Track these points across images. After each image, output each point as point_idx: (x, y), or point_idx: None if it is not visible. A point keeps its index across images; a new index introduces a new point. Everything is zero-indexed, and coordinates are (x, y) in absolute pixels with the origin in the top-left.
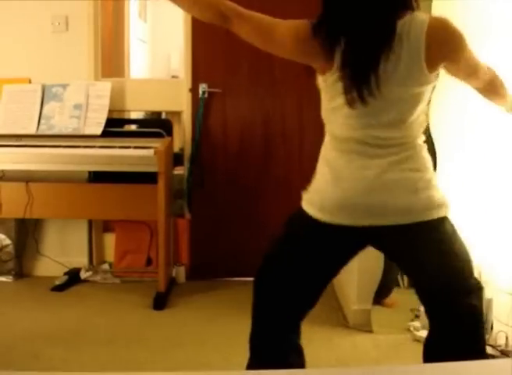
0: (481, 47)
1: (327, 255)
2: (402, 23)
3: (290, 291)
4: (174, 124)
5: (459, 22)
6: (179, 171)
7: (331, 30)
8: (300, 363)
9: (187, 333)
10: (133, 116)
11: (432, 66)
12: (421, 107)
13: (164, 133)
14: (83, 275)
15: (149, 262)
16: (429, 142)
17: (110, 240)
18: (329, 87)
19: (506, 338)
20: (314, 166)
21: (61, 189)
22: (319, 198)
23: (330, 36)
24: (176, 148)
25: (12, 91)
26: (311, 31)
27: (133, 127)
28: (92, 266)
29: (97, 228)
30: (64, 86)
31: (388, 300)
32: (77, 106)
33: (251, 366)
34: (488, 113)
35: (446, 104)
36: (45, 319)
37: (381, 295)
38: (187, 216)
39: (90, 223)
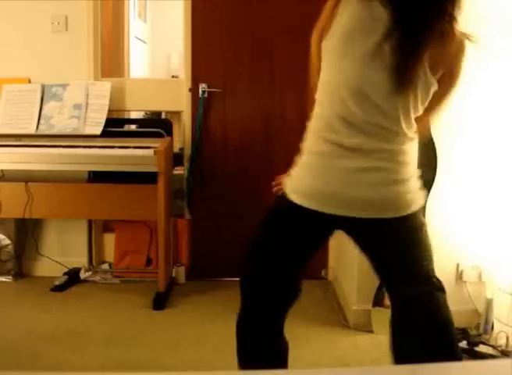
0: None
1: (302, 237)
2: None
3: (271, 275)
4: (174, 124)
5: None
6: (179, 171)
7: None
8: (283, 354)
9: (187, 333)
10: (133, 115)
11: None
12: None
13: (164, 133)
14: (83, 275)
15: (149, 262)
16: (430, 144)
17: (110, 240)
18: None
19: (507, 338)
20: None
21: (60, 189)
22: (301, 186)
23: None
24: (176, 148)
25: (12, 90)
26: None
27: (133, 127)
28: (92, 266)
29: (97, 228)
30: (64, 86)
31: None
32: (77, 106)
33: (240, 352)
34: (489, 114)
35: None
36: (45, 319)
37: (377, 295)
38: (187, 216)
39: (89, 223)
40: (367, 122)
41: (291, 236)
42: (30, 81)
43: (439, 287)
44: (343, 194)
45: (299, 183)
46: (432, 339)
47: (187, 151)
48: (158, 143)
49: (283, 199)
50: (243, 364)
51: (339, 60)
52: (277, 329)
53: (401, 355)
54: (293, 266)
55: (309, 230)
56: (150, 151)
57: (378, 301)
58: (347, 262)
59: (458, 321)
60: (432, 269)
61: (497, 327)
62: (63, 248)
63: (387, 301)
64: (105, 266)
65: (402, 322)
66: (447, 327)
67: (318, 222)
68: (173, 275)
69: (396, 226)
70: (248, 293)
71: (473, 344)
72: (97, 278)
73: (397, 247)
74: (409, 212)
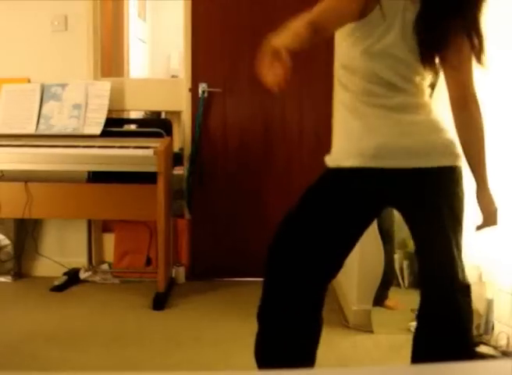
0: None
1: (350, 212)
2: None
3: (311, 253)
4: (174, 124)
5: None
6: (179, 171)
7: None
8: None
9: (187, 333)
10: (133, 115)
11: None
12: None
13: (164, 133)
14: (83, 275)
15: (149, 262)
16: None
17: (109, 240)
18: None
19: (508, 339)
20: (314, 165)
21: (60, 189)
22: (355, 147)
23: None
24: (176, 148)
25: (11, 90)
26: None
27: (133, 127)
28: (91, 266)
29: (97, 228)
30: (63, 85)
31: (390, 302)
32: (76, 106)
33: (262, 340)
34: (488, 112)
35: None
36: (44, 320)
37: (378, 296)
38: (187, 216)
39: (89, 223)
40: (397, 82)
41: (338, 210)
42: (29, 81)
43: (464, 286)
44: (391, 145)
45: (343, 149)
46: (448, 339)
47: (187, 151)
48: (157, 143)
49: (328, 174)
50: (264, 357)
51: (377, 32)
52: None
53: (418, 352)
54: (337, 245)
55: (357, 202)
56: (150, 151)
57: (378, 302)
58: (347, 262)
59: None
60: (460, 259)
61: (498, 328)
62: (63, 248)
63: (388, 302)
64: (105, 266)
65: (424, 315)
66: (464, 329)
67: (365, 191)
68: (173, 275)
69: (437, 179)
70: (280, 272)
71: (473, 344)
72: (97, 278)
73: (433, 209)
74: (451, 162)
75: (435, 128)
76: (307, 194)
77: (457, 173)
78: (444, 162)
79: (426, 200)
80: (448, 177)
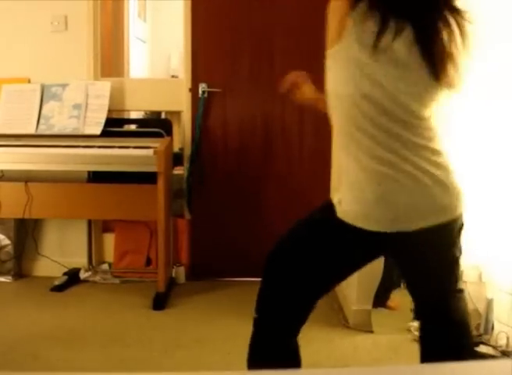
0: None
1: (345, 254)
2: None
3: (300, 283)
4: (174, 124)
5: None
6: (179, 171)
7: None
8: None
9: (187, 333)
10: (133, 115)
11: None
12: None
13: (164, 133)
14: (83, 275)
15: (149, 262)
16: None
17: (109, 240)
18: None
19: (507, 339)
20: (314, 165)
21: (60, 189)
22: (361, 211)
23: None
24: (176, 148)
25: (12, 90)
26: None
27: (133, 127)
28: (91, 266)
29: (97, 228)
30: (63, 86)
31: (391, 302)
32: (77, 106)
33: (252, 361)
34: (488, 110)
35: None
36: (45, 320)
37: (381, 297)
38: (187, 216)
39: (89, 223)
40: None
41: (336, 251)
42: (29, 81)
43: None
44: (407, 206)
45: (359, 207)
46: (454, 344)
47: (187, 151)
48: (157, 143)
49: (333, 214)
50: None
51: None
52: (294, 340)
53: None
54: (325, 282)
55: (358, 248)
56: (150, 151)
57: (380, 302)
58: None
59: None
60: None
61: (497, 328)
62: (63, 248)
63: (389, 303)
64: (105, 266)
65: (434, 337)
66: (466, 331)
67: (370, 242)
68: (173, 275)
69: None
70: (273, 305)
71: (473, 344)
72: (97, 278)
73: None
74: (459, 212)
75: (446, 180)
76: (307, 222)
77: (461, 221)
78: (452, 215)
79: (428, 255)
80: (452, 228)
